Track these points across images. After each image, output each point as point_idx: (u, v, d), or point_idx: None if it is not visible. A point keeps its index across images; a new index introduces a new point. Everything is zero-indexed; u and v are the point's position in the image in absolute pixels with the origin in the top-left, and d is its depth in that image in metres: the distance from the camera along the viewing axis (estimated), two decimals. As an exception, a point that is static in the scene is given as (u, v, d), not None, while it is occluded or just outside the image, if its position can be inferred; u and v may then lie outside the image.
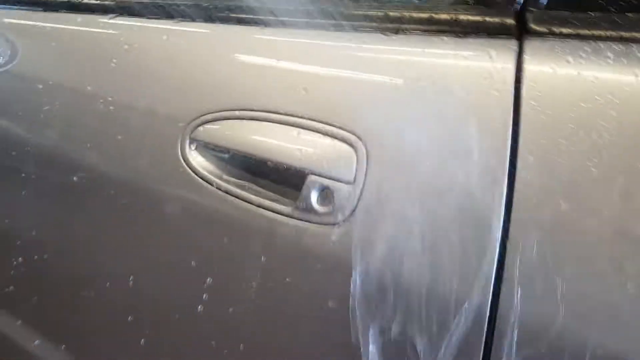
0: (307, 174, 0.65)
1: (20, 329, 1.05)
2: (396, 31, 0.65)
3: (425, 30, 0.64)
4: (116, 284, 0.85)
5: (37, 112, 0.93)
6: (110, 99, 0.83)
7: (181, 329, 0.80)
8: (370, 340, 0.60)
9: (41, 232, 0.96)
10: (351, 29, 0.68)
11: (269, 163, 0.68)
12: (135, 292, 0.83)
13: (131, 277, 0.83)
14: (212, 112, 0.73)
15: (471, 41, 0.61)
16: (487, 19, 0.61)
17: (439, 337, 0.56)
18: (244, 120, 0.71)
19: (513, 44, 0.58)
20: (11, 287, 1.04)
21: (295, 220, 0.66)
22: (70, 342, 0.97)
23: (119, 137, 0.82)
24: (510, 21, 0.60)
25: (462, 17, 0.63)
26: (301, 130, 0.67)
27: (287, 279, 0.67)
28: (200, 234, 0.75)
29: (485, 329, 0.54)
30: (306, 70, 0.68)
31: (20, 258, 0.99)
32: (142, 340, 0.84)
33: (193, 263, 0.76)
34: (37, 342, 1.02)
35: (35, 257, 0.96)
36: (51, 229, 0.94)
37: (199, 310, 0.76)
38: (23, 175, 0.95)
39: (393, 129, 0.61)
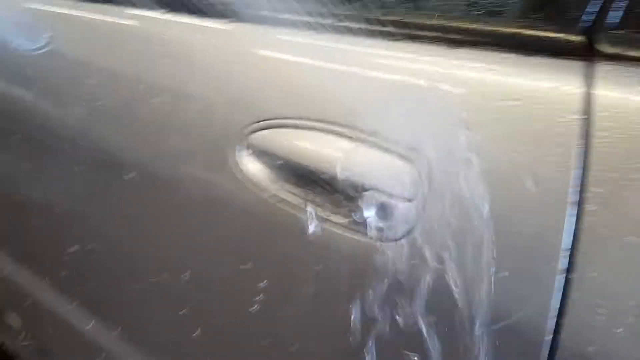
0: (366, 189, 0.66)
1: (75, 311, 1.09)
2: (459, 44, 0.64)
3: (487, 44, 0.63)
4: (171, 278, 0.88)
5: (91, 105, 0.94)
6: (165, 96, 0.84)
7: (233, 326, 0.82)
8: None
9: (97, 223, 0.99)
10: (412, 41, 0.67)
11: (325, 175, 0.69)
12: (190, 286, 0.86)
13: (188, 272, 0.85)
14: (271, 119, 0.73)
15: (535, 60, 0.59)
16: (553, 36, 0.60)
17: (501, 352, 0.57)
18: (303, 130, 0.72)
19: (581, 67, 0.57)
20: (66, 272, 1.08)
21: (351, 233, 0.67)
22: (125, 326, 1.01)
23: (175, 136, 0.84)
24: (578, 40, 0.58)
25: (526, 32, 0.62)
26: (362, 144, 0.67)
27: (341, 290, 0.68)
28: (254, 238, 0.77)
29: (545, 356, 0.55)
30: (370, 83, 0.68)
31: (76, 246, 1.02)
32: (196, 332, 0.87)
33: (248, 265, 0.78)
34: (91, 324, 1.07)
35: (91, 246, 1.00)
36: (106, 220, 0.97)
37: (251, 310, 0.78)
38: (76, 168, 0.97)
39: (454, 148, 0.61)
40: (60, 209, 1.05)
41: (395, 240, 0.64)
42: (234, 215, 0.78)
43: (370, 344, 0.67)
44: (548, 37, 0.60)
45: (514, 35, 0.62)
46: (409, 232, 0.63)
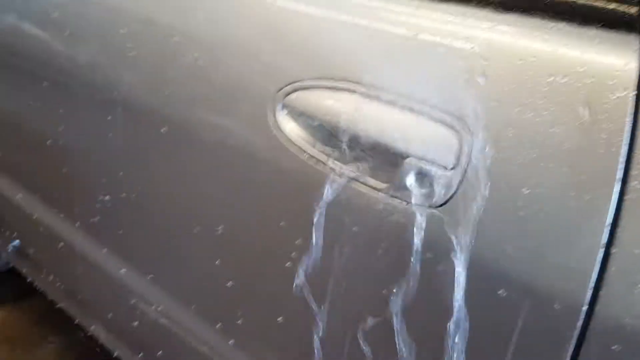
0: (406, 155, 0.66)
1: (106, 257, 1.13)
2: (509, 9, 0.63)
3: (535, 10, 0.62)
4: (205, 230, 0.90)
5: (124, 54, 0.94)
6: (203, 49, 0.84)
7: (265, 282, 0.85)
8: (464, 328, 0.63)
9: (134, 174, 1.00)
10: (459, 4, 0.66)
11: (364, 139, 0.69)
12: (223, 240, 0.88)
13: (221, 227, 0.87)
14: (309, 79, 0.73)
15: (588, 31, 0.58)
16: (608, 6, 0.59)
17: (535, 325, 0.59)
18: (342, 92, 0.71)
19: (636, 41, 0.56)
20: (97, 218, 1.11)
21: (389, 198, 0.68)
22: (157, 273, 1.04)
23: (212, 91, 0.84)
24: (634, 12, 0.57)
25: (579, 0, 0.60)
26: (403, 109, 0.67)
27: (377, 253, 0.70)
28: (289, 198, 0.78)
29: (579, 325, 0.57)
30: (414, 47, 0.67)
31: (107, 196, 1.04)
32: (229, 283, 0.90)
33: (282, 224, 0.79)
34: (123, 270, 1.10)
35: (123, 194, 1.02)
36: (143, 173, 0.99)
37: (285, 266, 0.80)
38: (110, 117, 0.98)
39: (500, 116, 0.61)
40: (95, 156, 1.06)
41: (434, 207, 0.65)
42: (270, 174, 0.79)
43: (404, 306, 0.69)
44: (603, 7, 0.59)
45: (565, 2, 0.61)
46: (448, 201, 0.64)
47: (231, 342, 0.95)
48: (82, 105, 1.03)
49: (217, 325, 0.96)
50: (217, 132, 0.84)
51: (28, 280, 1.50)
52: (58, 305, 1.41)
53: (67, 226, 1.18)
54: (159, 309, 1.05)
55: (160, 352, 1.10)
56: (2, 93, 1.24)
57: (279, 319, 0.85)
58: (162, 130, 0.89)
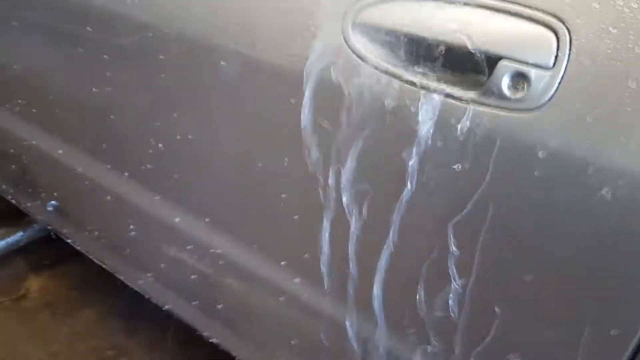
0: (499, 58, 0.64)
1: (159, 205, 1.11)
2: None
3: None
4: (270, 165, 0.88)
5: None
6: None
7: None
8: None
9: (183, 115, 0.98)
10: None
11: (448, 46, 0.67)
12: (288, 172, 0.86)
13: (286, 159, 0.85)
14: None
15: None
16: None
17: None
18: (419, 1, 0.69)
19: None
20: (149, 165, 1.09)
21: (482, 106, 0.66)
22: (215, 216, 1.03)
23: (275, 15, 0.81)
24: None
25: None
26: (494, 11, 0.64)
27: (467, 165, 0.68)
28: (369, 117, 0.75)
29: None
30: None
31: (160, 144, 1.02)
32: (295, 216, 0.88)
33: (360, 143, 0.77)
34: (177, 218, 1.08)
35: (178, 137, 0.99)
36: (195, 112, 0.96)
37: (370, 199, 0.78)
38: (162, 57, 0.95)
39: (599, 13, 0.59)
40: (144, 100, 1.04)
41: (532, 110, 0.62)
42: (345, 94, 0.76)
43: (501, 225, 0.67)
44: None
45: None
46: (546, 102, 0.62)
47: (297, 280, 0.94)
48: (129, 46, 1.01)
49: (282, 263, 0.95)
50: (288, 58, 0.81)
51: (68, 241, 1.49)
52: (102, 264, 1.40)
53: (115, 177, 1.16)
54: (218, 252, 1.04)
55: (220, 305, 1.09)
56: (39, 44, 1.21)
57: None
58: (221, 63, 0.87)
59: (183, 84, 0.95)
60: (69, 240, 1.49)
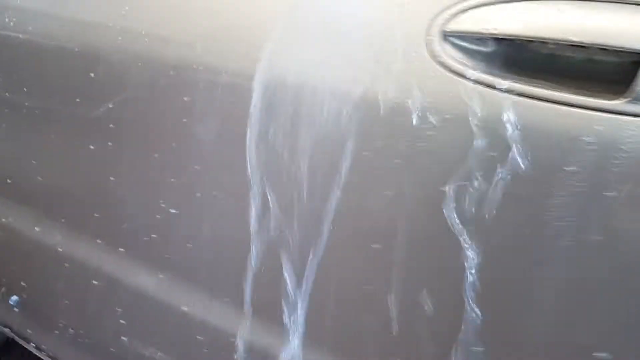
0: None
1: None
2: None
3: None
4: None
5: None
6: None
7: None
8: None
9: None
10: None
11: (575, 50, 0.56)
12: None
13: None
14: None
15: None
16: None
17: None
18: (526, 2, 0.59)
19: None
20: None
21: (625, 116, 0.53)
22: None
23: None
24: None
25: None
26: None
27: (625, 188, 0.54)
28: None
29: None
30: None
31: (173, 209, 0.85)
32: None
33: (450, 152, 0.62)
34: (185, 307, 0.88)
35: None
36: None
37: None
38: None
39: None
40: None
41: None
42: (441, 118, 0.63)
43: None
44: None
45: None
46: None
47: None
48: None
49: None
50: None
51: (29, 345, 1.24)
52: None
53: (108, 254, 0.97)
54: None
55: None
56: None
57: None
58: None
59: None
60: (31, 344, 1.23)
